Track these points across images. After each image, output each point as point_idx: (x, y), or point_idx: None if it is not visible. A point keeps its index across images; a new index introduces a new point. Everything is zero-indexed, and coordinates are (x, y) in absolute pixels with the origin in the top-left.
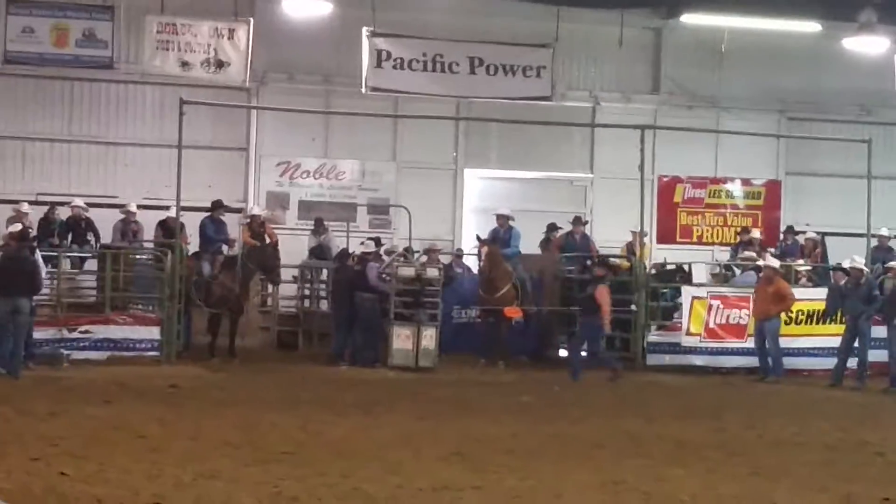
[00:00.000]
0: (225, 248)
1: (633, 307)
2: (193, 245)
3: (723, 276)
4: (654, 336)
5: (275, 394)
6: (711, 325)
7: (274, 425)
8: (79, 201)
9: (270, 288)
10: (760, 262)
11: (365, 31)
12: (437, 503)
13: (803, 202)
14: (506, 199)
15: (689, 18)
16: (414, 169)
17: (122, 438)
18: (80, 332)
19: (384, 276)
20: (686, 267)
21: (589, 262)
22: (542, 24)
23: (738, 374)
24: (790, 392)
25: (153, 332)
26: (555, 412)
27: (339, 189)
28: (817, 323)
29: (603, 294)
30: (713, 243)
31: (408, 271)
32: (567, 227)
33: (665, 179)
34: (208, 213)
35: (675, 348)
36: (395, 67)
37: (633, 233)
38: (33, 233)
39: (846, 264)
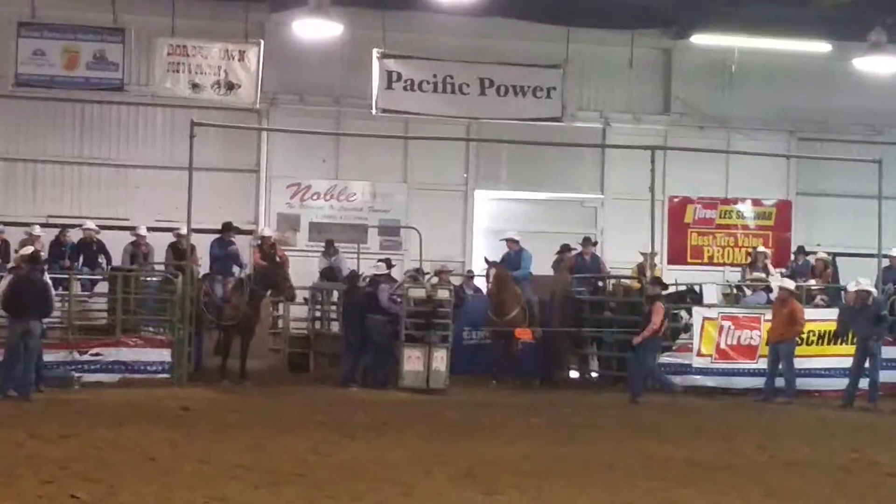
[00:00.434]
0: (236, 269)
1: None
2: (204, 267)
3: (734, 296)
4: (665, 357)
5: (286, 416)
6: (723, 346)
7: (285, 447)
8: (90, 223)
9: (281, 309)
10: (771, 282)
11: (375, 52)
12: None
13: (814, 222)
14: (516, 220)
15: (699, 39)
16: (424, 190)
17: (133, 461)
18: (91, 355)
19: (395, 297)
20: (697, 288)
21: (646, 282)
22: (552, 45)
23: (749, 396)
24: (802, 413)
25: (164, 355)
26: (566, 434)
27: (350, 210)
28: (829, 343)
29: (658, 311)
30: (724, 264)
31: (419, 293)
32: (578, 249)
33: (675, 200)
34: (217, 236)
35: (687, 369)
36: (405, 89)
37: (644, 254)
38: (44, 255)
39: (851, 287)
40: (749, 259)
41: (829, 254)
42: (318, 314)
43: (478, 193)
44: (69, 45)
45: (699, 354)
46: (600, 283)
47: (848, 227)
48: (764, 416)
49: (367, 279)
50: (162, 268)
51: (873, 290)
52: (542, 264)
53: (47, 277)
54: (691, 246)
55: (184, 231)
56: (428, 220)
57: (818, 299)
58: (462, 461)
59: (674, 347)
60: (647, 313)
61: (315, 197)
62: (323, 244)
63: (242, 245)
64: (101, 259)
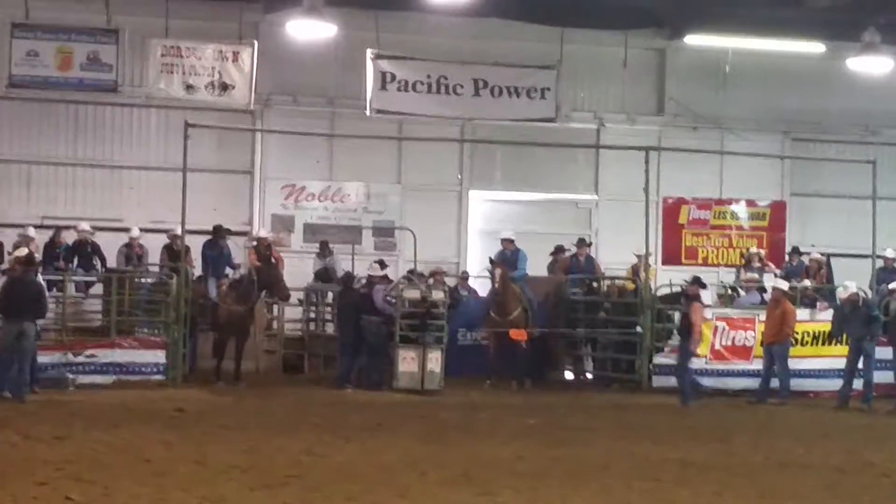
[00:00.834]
0: (230, 271)
1: (639, 329)
2: (199, 269)
3: (729, 297)
4: (660, 358)
5: (280, 417)
6: (717, 346)
7: (279, 449)
8: (85, 225)
9: (276, 311)
10: (765, 282)
11: (369, 53)
12: None
13: (808, 223)
14: (510, 221)
15: (693, 39)
16: (419, 191)
17: (127, 462)
18: (86, 356)
19: (389, 298)
20: None
21: (683, 282)
22: (545, 45)
23: (744, 396)
24: (796, 414)
25: (159, 356)
26: (561, 435)
27: (344, 212)
28: (823, 344)
29: (696, 312)
30: (718, 265)
31: (413, 294)
32: (572, 249)
33: (670, 201)
34: (209, 238)
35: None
36: (399, 89)
37: (638, 256)
38: (38, 257)
39: (840, 293)
40: (743, 260)
41: (823, 254)
42: (312, 315)
43: (472, 194)
44: (63, 46)
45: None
46: (595, 284)
47: (842, 227)
48: (758, 417)
49: (363, 281)
50: (157, 269)
51: (861, 291)
52: (536, 265)
53: (41, 279)
54: (686, 247)
55: (178, 232)
56: (422, 221)
57: (819, 305)
58: (457, 462)
59: (668, 349)
60: (686, 314)
61: (309, 198)
62: (317, 245)
63: (237, 247)
64: (96, 260)
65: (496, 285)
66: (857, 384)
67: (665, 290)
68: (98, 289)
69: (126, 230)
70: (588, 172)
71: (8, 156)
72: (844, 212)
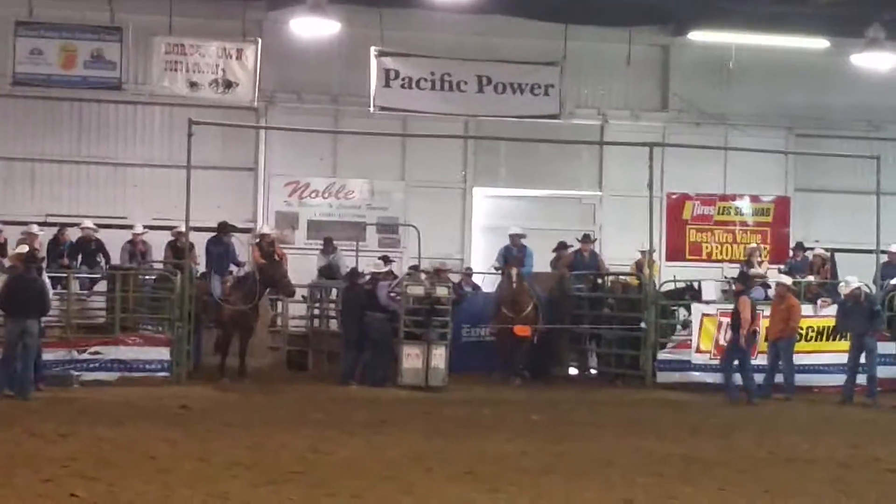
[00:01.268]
0: (234, 268)
1: (643, 325)
2: (202, 266)
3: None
4: (664, 353)
5: (285, 414)
6: (721, 342)
7: (284, 445)
8: (88, 222)
9: (280, 307)
10: (768, 278)
11: (373, 50)
12: None
13: (812, 218)
14: (514, 217)
15: (697, 36)
16: (423, 188)
17: (132, 459)
18: (91, 354)
19: (394, 294)
20: (696, 284)
21: (733, 279)
22: (549, 42)
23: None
24: (800, 409)
25: (163, 353)
26: (565, 431)
27: (348, 208)
28: (827, 340)
29: (744, 305)
30: (723, 260)
31: (418, 290)
32: (576, 245)
33: (674, 197)
34: (213, 234)
35: (685, 366)
36: (403, 86)
37: (642, 252)
38: (42, 254)
39: (842, 289)
40: (745, 257)
41: (827, 250)
42: (316, 312)
43: (476, 191)
44: (66, 43)
45: (698, 351)
46: (599, 280)
47: (846, 223)
48: (763, 413)
49: (368, 276)
50: (161, 266)
51: (863, 286)
52: (539, 262)
53: (45, 276)
54: (690, 242)
55: (182, 230)
56: (426, 218)
57: (821, 301)
58: (462, 458)
59: (671, 344)
60: (735, 311)
61: (313, 195)
62: (321, 242)
63: (241, 243)
64: (100, 258)
65: (514, 285)
66: (861, 379)
67: (669, 286)
68: (102, 286)
69: (130, 227)
70: (592, 169)
71: (12, 154)
72: (848, 207)
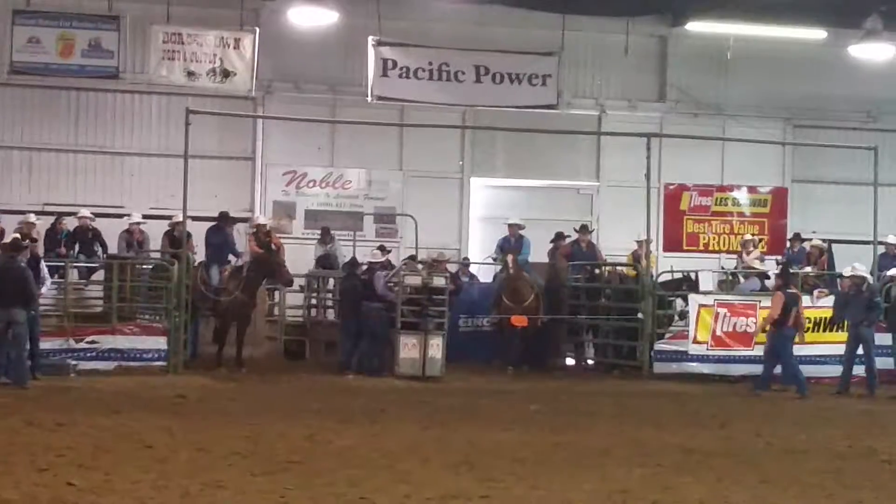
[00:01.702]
0: (232, 257)
1: (640, 315)
2: (200, 255)
3: (730, 283)
4: (661, 344)
5: (282, 403)
6: (718, 332)
7: (281, 435)
8: (86, 211)
9: (277, 297)
10: (764, 269)
11: (371, 40)
12: None
13: (810, 209)
14: (512, 207)
15: (695, 26)
16: (420, 178)
17: (129, 449)
18: (88, 343)
19: (391, 284)
20: (693, 275)
21: (772, 274)
22: (547, 32)
23: (745, 383)
24: (797, 400)
25: (160, 343)
26: (562, 421)
27: (346, 198)
28: (824, 331)
29: (774, 301)
30: (720, 251)
31: (415, 280)
32: (574, 236)
33: (671, 187)
34: (213, 224)
35: (683, 356)
36: (400, 76)
37: (639, 243)
38: (33, 243)
39: (847, 272)
40: (741, 248)
41: (824, 241)
42: (314, 302)
43: (473, 181)
44: (64, 32)
45: (695, 341)
46: (596, 271)
47: (844, 214)
48: (760, 404)
49: (366, 266)
50: (158, 255)
51: (868, 276)
52: (537, 252)
53: (44, 266)
54: (687, 233)
55: (179, 219)
56: (423, 208)
57: (817, 291)
58: (459, 448)
59: (669, 335)
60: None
61: (311, 184)
62: (319, 232)
63: (239, 234)
64: (97, 247)
65: (511, 271)
66: (858, 370)
67: (666, 277)
68: (99, 275)
69: (127, 216)
70: (589, 159)
71: (9, 142)
72: (846, 198)
